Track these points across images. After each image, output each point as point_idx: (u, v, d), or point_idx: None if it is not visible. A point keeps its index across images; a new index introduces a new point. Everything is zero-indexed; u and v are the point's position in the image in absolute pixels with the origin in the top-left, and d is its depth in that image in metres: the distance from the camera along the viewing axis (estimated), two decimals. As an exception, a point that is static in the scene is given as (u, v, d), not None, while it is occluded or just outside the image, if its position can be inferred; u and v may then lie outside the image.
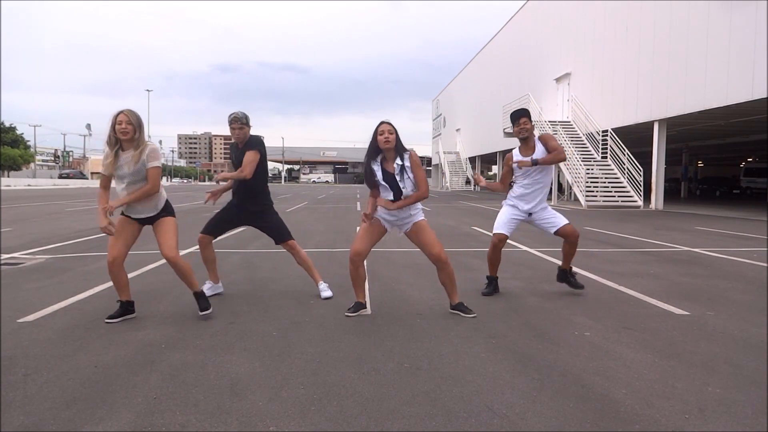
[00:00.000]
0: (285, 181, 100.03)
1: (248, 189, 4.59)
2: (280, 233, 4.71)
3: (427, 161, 65.18)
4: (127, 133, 3.72)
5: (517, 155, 4.73)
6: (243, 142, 4.55)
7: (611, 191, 20.77)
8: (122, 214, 3.95)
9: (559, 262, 5.02)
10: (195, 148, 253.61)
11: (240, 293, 4.89)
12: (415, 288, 5.08)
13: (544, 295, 4.83)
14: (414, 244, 4.16)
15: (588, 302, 4.57)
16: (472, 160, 45.67)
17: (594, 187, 20.90)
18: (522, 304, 4.46)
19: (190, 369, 2.95)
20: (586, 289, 4.95)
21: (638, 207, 19.42)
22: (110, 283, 5.19)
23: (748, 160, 36.14)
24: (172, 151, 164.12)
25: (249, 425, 2.30)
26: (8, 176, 62.84)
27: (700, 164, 41.85)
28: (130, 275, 5.45)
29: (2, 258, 6.77)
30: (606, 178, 21.37)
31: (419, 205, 4.09)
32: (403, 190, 3.95)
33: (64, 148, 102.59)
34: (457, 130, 50.08)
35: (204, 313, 3.98)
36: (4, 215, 14.02)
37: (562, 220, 4.69)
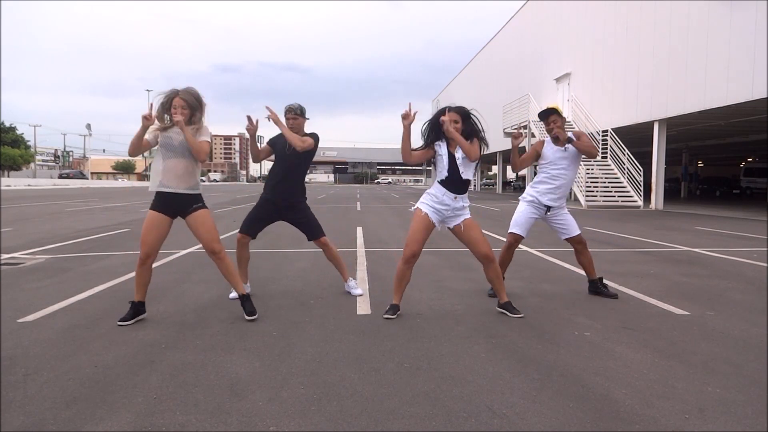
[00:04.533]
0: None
1: (288, 180, 4.54)
2: (314, 229, 4.66)
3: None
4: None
5: (549, 144, 4.67)
6: (297, 133, 4.48)
7: (611, 191, 20.78)
8: (157, 190, 3.74)
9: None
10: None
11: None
12: (415, 288, 5.08)
13: (544, 295, 4.83)
14: (460, 242, 4.10)
15: (588, 302, 4.57)
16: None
17: (594, 187, 20.91)
18: (522, 304, 4.45)
19: (190, 369, 2.95)
20: (586, 289, 4.94)
21: (638, 207, 19.43)
22: (110, 283, 5.21)
23: (748, 160, 36.15)
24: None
25: (249, 425, 2.30)
26: (8, 176, 62.90)
27: (700, 164, 41.85)
28: (129, 275, 5.47)
29: (2, 258, 6.77)
30: (606, 178, 21.39)
31: (468, 202, 4.05)
32: (462, 173, 3.93)
33: (64, 148, 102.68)
34: (457, 130, 50.00)
35: (251, 318, 3.90)
36: (4, 215, 14.02)
37: (575, 229, 4.68)
